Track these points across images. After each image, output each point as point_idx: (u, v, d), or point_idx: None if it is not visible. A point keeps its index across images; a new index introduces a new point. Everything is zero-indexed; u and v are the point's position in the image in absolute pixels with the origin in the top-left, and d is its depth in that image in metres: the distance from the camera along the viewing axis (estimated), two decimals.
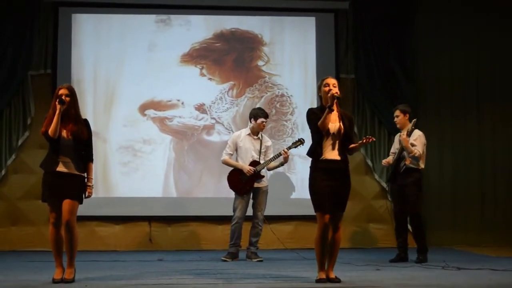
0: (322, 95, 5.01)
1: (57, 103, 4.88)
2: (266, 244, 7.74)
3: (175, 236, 8.18)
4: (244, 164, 6.81)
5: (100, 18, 8.35)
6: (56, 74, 8.15)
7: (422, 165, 6.62)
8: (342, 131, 4.94)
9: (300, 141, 6.85)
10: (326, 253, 4.92)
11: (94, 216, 7.96)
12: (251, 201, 6.88)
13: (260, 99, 8.41)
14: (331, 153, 4.91)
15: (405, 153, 6.55)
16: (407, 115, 6.70)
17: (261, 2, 8.55)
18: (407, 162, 6.54)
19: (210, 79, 8.40)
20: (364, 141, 5.04)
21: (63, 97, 4.91)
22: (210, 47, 8.43)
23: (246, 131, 6.97)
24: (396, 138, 6.84)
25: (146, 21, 8.39)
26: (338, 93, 4.89)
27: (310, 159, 5.01)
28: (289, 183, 8.34)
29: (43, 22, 8.18)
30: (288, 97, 8.48)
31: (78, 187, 4.98)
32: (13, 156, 8.06)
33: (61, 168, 4.92)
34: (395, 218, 6.82)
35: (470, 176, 8.68)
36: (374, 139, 5.18)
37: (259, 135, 6.94)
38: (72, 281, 4.92)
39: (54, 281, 4.89)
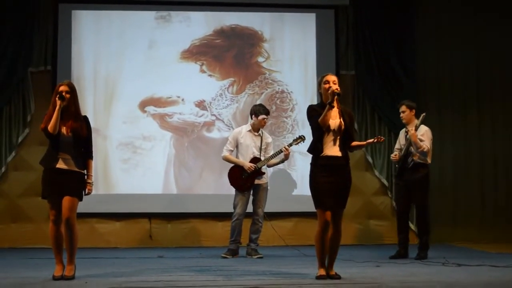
0: (322, 92, 5.01)
1: (57, 99, 4.88)
2: (266, 240, 7.75)
3: (175, 233, 8.19)
4: (244, 160, 6.81)
5: (100, 15, 8.34)
6: (56, 71, 8.14)
7: (429, 160, 6.62)
8: (343, 127, 4.93)
9: (301, 138, 6.84)
10: (326, 249, 4.92)
11: (94, 213, 7.97)
12: (251, 198, 6.88)
13: (260, 95, 8.40)
14: (332, 150, 4.91)
15: (412, 148, 6.54)
16: (413, 110, 6.71)
17: None
18: (415, 158, 6.54)
19: (210, 75, 8.40)
20: (376, 140, 5.07)
21: (63, 94, 4.91)
22: (210, 44, 8.42)
23: (247, 127, 6.96)
24: (401, 133, 6.83)
25: (146, 17, 8.38)
26: (338, 89, 4.88)
27: (311, 155, 5.01)
28: (289, 180, 8.33)
29: (43, 19, 8.16)
30: (288, 93, 8.47)
31: (78, 184, 4.98)
32: (13, 153, 8.05)
33: (61, 165, 4.92)
34: (397, 214, 6.83)
35: (470, 173, 8.67)
36: (383, 139, 5.23)
37: (260, 132, 6.93)
38: (72, 278, 4.92)
39: (54, 278, 4.90)
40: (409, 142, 6.54)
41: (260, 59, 8.48)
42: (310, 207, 5.08)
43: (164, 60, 8.31)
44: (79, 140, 4.98)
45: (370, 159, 8.46)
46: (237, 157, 6.90)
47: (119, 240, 8.10)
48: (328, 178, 4.86)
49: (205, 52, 8.39)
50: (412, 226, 8.15)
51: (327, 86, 4.93)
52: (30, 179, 7.87)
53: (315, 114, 4.91)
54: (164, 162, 8.23)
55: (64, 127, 4.94)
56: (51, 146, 4.97)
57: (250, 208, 6.89)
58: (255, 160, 6.81)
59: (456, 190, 8.63)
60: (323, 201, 4.84)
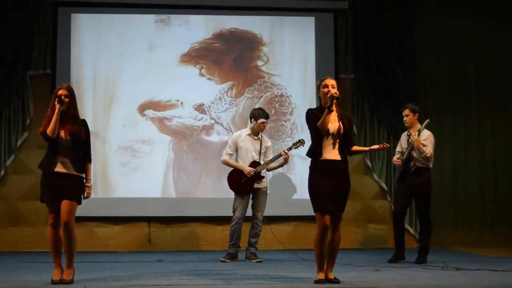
0: (321, 95, 5.01)
1: (56, 103, 4.87)
2: (265, 244, 7.74)
3: (174, 237, 8.17)
4: (244, 164, 6.80)
5: (99, 18, 8.34)
6: (55, 74, 8.13)
7: (431, 165, 6.62)
8: (342, 131, 4.93)
9: (301, 142, 6.84)
10: (325, 253, 4.91)
11: (93, 217, 7.96)
12: (250, 202, 6.87)
13: (259, 99, 8.40)
14: (331, 153, 4.91)
15: (414, 153, 6.53)
16: (417, 114, 6.69)
17: (260, 2, 8.54)
18: (417, 162, 6.54)
19: (209, 79, 8.40)
20: (381, 147, 5.08)
21: (62, 97, 4.90)
22: (209, 47, 8.42)
23: (246, 131, 6.96)
24: (403, 136, 6.81)
25: (145, 21, 8.38)
26: (337, 93, 4.88)
27: (310, 159, 5.01)
28: (288, 184, 8.33)
29: (42, 22, 8.16)
30: (288, 97, 8.47)
31: (77, 187, 4.97)
32: (12, 157, 8.04)
33: (59, 168, 4.91)
34: (394, 217, 6.83)
35: (470, 177, 8.67)
36: (388, 146, 5.25)
37: (259, 136, 6.93)
38: (71, 282, 4.91)
39: (53, 282, 4.88)
40: (411, 147, 6.53)
41: (259, 62, 8.48)
42: (310, 211, 5.07)
43: (163, 64, 8.31)
44: (77, 143, 4.97)
45: (369, 163, 8.46)
46: (236, 161, 6.89)
47: (118, 244, 8.09)
48: (327, 181, 4.85)
49: (204, 56, 8.39)
50: (411, 230, 8.15)
51: (326, 90, 4.93)
52: (29, 182, 7.86)
53: (314, 118, 4.91)
54: (163, 165, 8.23)
55: (63, 131, 4.93)
56: (50, 150, 4.96)
57: (249, 212, 6.88)
58: (254, 164, 6.80)
59: (455, 194, 8.62)
60: (322, 205, 4.84)
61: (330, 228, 4.89)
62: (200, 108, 8.32)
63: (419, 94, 8.50)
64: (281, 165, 6.97)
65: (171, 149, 8.27)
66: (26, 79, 8.08)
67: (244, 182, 6.76)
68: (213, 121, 8.32)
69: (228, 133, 8.15)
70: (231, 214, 6.84)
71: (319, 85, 5.03)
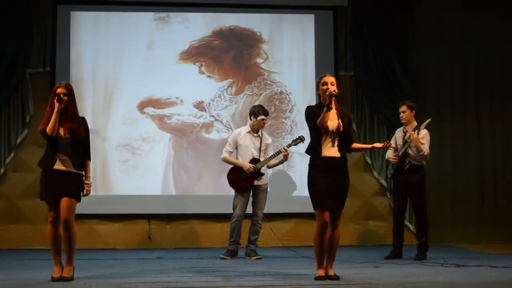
0: (320, 93, 5.02)
1: (55, 101, 4.87)
2: (265, 242, 7.75)
3: (174, 234, 8.18)
4: (244, 161, 6.80)
5: (98, 16, 8.34)
6: (55, 72, 8.13)
7: (425, 163, 6.64)
8: (341, 128, 4.94)
9: (300, 139, 6.84)
10: (325, 250, 4.92)
11: (93, 214, 7.96)
12: (250, 199, 6.88)
13: (259, 96, 8.40)
14: (330, 151, 4.92)
15: (410, 151, 6.54)
16: (414, 111, 6.72)
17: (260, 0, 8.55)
18: (412, 160, 6.55)
19: (209, 76, 8.40)
20: (383, 145, 5.09)
21: (61, 96, 4.90)
22: (209, 45, 8.41)
23: (246, 128, 6.96)
24: (398, 132, 6.83)
25: (144, 18, 8.37)
26: (336, 91, 4.89)
27: (309, 156, 5.01)
28: (288, 181, 8.33)
29: (42, 20, 8.15)
30: (287, 94, 8.47)
31: (76, 185, 4.98)
32: (12, 154, 8.04)
33: (59, 166, 4.92)
34: (393, 214, 6.85)
35: (469, 174, 8.68)
36: (391, 144, 5.26)
37: (259, 133, 6.93)
38: (71, 279, 4.92)
39: (53, 279, 4.90)
40: (408, 144, 6.54)
41: (259, 60, 8.48)
42: (310, 208, 5.07)
43: (163, 61, 8.31)
44: (77, 141, 4.97)
45: (369, 160, 8.46)
46: (236, 158, 6.90)
47: (118, 241, 8.10)
48: (327, 178, 4.86)
49: (204, 53, 8.39)
50: (411, 227, 8.15)
51: (325, 87, 4.94)
52: (28, 180, 7.87)
53: (313, 115, 4.92)
54: (163, 163, 8.23)
55: (62, 129, 4.93)
56: (49, 148, 4.96)
57: (249, 209, 6.88)
58: (254, 161, 6.81)
59: (455, 191, 8.63)
60: (321, 201, 4.85)
61: (330, 225, 4.90)
62: (199, 106, 8.32)
63: (418, 91, 8.50)
64: (281, 162, 6.97)
65: (171, 147, 8.27)
66: (26, 77, 8.08)
67: (243, 179, 6.76)
68: (212, 119, 8.32)
69: (228, 130, 8.15)
70: (231, 212, 6.85)
71: (318, 83, 5.04)
